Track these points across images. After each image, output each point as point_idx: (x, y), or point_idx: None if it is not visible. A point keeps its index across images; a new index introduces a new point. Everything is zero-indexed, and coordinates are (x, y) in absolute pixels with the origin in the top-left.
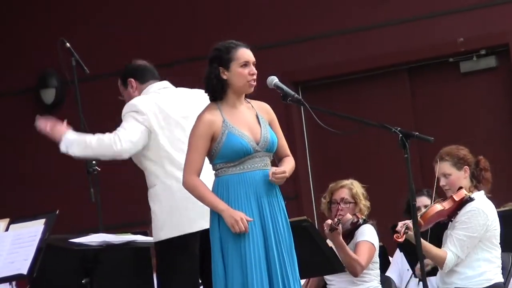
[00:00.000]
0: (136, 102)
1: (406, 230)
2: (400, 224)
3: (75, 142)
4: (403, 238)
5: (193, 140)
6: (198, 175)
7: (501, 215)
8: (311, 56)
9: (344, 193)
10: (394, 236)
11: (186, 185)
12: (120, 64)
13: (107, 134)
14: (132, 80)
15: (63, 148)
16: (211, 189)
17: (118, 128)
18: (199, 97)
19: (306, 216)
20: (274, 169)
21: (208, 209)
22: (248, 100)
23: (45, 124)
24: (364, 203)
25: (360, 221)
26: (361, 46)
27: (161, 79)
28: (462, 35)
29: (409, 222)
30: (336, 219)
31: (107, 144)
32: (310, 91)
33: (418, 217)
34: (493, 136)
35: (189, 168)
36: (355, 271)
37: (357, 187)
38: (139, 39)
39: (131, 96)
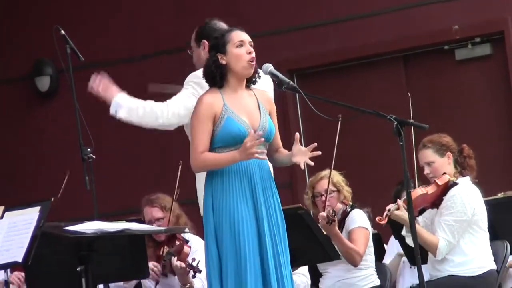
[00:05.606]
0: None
1: (388, 213)
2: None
3: (124, 106)
4: (386, 221)
5: (196, 123)
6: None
7: (494, 204)
8: (307, 44)
9: (326, 184)
10: (377, 218)
11: (197, 166)
12: (115, 52)
13: (159, 105)
14: (206, 42)
15: (112, 111)
16: (205, 175)
17: (173, 98)
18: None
19: (300, 204)
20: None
21: None
22: (252, 87)
23: (98, 84)
24: (347, 189)
25: (348, 208)
26: (357, 34)
27: None
28: (457, 23)
29: (391, 205)
30: (331, 210)
31: (153, 115)
32: (306, 79)
33: (401, 202)
34: (488, 123)
35: (197, 150)
36: (354, 260)
37: (336, 175)
38: (134, 27)
39: (199, 57)
